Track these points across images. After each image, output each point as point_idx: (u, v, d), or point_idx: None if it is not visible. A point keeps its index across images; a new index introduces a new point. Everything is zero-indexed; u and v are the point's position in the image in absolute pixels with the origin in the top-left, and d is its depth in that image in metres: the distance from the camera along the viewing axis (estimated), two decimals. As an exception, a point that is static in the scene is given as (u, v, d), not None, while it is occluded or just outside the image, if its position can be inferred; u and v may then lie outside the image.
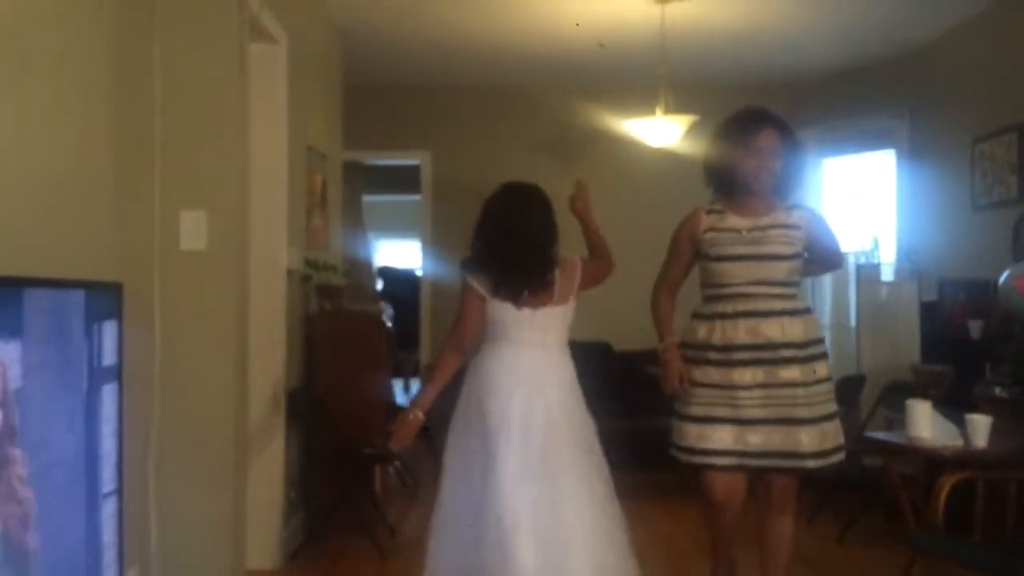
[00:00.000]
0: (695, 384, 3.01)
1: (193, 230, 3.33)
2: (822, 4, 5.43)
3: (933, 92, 6.19)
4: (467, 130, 7.43)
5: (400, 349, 9.92)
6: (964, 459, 3.24)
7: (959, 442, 3.33)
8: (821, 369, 3.00)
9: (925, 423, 3.40)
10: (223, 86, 3.39)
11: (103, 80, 2.85)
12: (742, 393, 2.94)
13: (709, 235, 3.04)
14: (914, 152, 6.36)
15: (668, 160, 6.88)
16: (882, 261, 5.98)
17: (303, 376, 4.75)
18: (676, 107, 5.67)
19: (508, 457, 2.88)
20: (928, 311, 5.52)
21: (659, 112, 5.47)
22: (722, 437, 2.95)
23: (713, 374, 2.98)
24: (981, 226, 5.50)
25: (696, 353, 3.03)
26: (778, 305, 2.99)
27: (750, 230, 3.01)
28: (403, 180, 8.63)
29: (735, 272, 3.00)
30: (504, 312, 3.00)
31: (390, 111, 7.35)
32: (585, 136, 7.33)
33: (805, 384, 2.94)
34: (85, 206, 2.74)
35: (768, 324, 2.96)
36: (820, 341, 3.05)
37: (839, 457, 3.00)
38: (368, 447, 4.90)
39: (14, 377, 1.69)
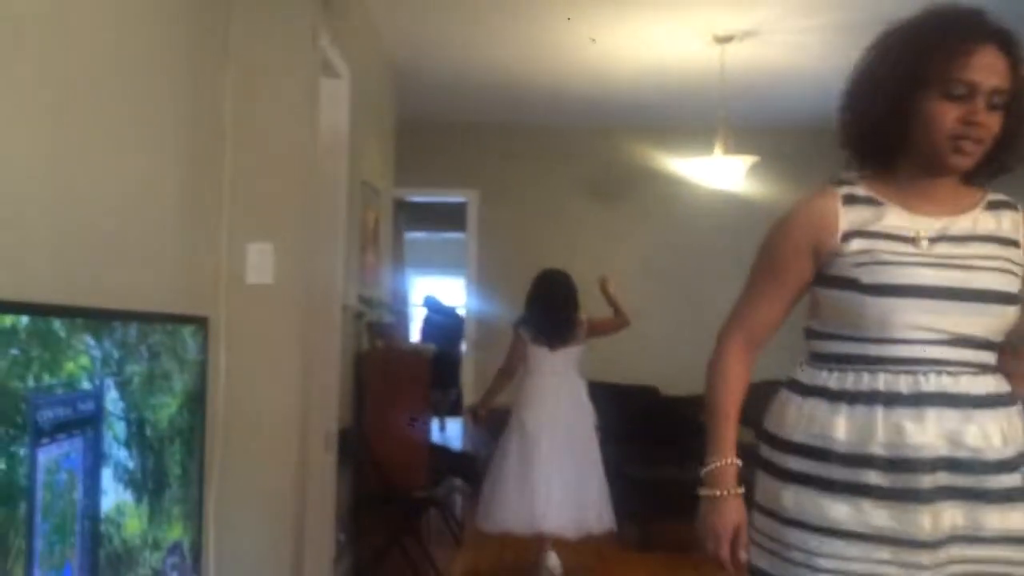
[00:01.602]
0: (817, 530, 1.57)
1: (259, 263, 3.25)
2: (883, 47, 5.35)
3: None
4: (517, 169, 7.37)
5: (436, 388, 9.82)
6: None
7: None
8: None
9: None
10: (294, 118, 3.32)
11: (174, 109, 2.79)
12: (925, 559, 1.53)
13: (856, 243, 1.63)
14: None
15: (723, 203, 6.79)
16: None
17: (353, 415, 4.66)
18: (733, 148, 5.58)
19: (541, 445, 4.52)
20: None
21: (718, 152, 5.37)
22: None
23: (873, 513, 1.54)
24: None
25: (822, 468, 1.59)
26: (991, 385, 1.61)
27: (935, 239, 1.62)
28: (446, 217, 8.59)
29: (918, 317, 1.58)
30: (538, 352, 4.66)
31: (439, 148, 7.31)
32: (637, 178, 7.26)
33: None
34: (152, 237, 2.67)
35: (980, 422, 1.56)
36: None
37: None
38: (417, 490, 4.80)
39: (109, 406, 1.60)
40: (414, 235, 10.14)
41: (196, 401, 2.05)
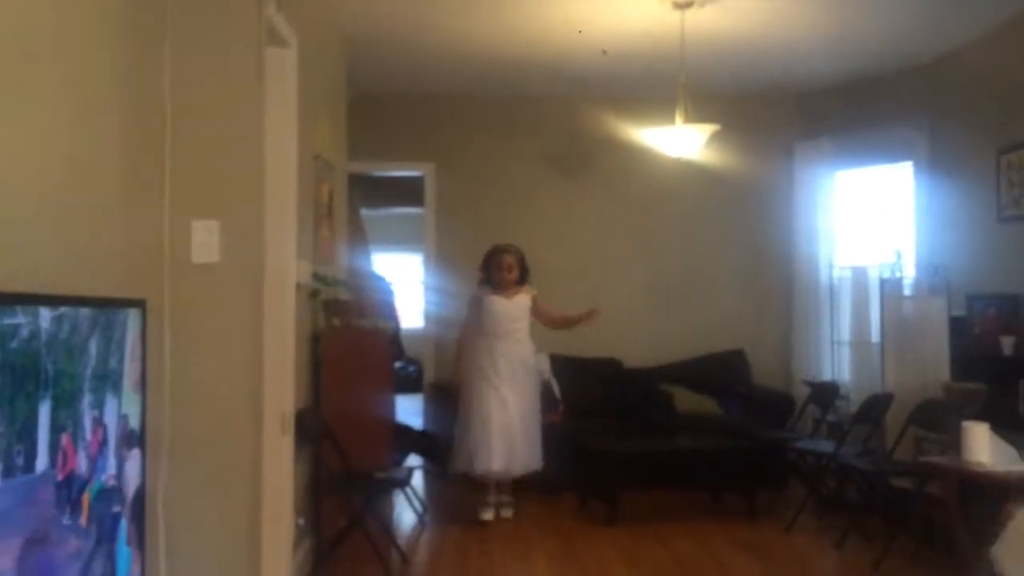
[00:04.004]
0: None
1: (206, 242, 3.10)
2: (841, 13, 5.28)
3: (953, 103, 6.05)
4: (474, 142, 7.22)
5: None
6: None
7: (1022, 467, 3.14)
8: None
9: (983, 447, 3.21)
10: (239, 89, 3.17)
11: (111, 81, 2.63)
12: None
13: None
14: (933, 164, 6.20)
15: (684, 171, 6.72)
16: (904, 275, 5.82)
17: (310, 395, 4.53)
18: (693, 116, 5.49)
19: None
20: (955, 326, 5.35)
21: (679, 121, 5.28)
22: None
23: None
24: (1008, 238, 5.34)
25: None
26: None
27: None
28: (403, 192, 8.42)
29: None
30: None
31: (394, 122, 7.13)
32: (595, 147, 7.15)
33: None
34: (91, 216, 2.51)
35: None
36: None
37: None
38: (379, 471, 4.69)
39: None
40: (370, 212, 9.94)
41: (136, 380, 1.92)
